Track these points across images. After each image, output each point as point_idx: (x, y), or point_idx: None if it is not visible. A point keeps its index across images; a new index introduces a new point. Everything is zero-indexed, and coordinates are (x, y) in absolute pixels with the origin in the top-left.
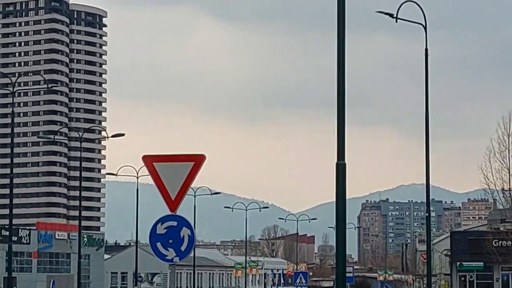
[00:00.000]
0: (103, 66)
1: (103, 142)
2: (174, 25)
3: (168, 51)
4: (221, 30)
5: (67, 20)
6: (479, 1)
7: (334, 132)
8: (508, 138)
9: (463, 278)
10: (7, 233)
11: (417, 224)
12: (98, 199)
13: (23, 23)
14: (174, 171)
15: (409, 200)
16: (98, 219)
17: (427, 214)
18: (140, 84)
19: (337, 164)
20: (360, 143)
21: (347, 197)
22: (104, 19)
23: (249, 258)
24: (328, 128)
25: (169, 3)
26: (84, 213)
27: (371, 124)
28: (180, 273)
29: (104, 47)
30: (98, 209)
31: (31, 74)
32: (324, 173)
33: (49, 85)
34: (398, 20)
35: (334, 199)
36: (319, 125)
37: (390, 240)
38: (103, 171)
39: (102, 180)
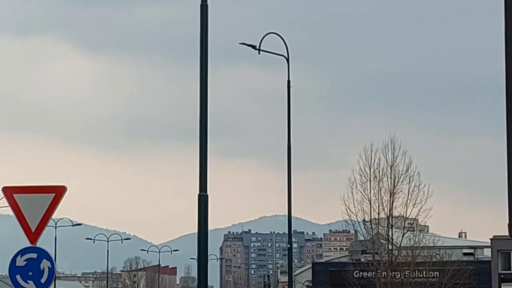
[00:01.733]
0: None
1: None
2: (35, 54)
3: (30, 81)
4: (84, 60)
5: None
6: (342, 34)
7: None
8: (370, 170)
9: None
10: None
11: (279, 255)
12: None
13: None
14: (34, 203)
15: (271, 232)
16: None
17: (288, 245)
18: (1, 114)
19: (199, 195)
20: (223, 174)
21: (209, 228)
22: None
23: None
24: (191, 160)
25: (30, 32)
26: None
27: (234, 155)
28: None
29: None
30: None
31: None
32: (186, 204)
33: None
34: (261, 52)
35: (196, 230)
36: (183, 156)
37: (252, 272)
38: None
39: None
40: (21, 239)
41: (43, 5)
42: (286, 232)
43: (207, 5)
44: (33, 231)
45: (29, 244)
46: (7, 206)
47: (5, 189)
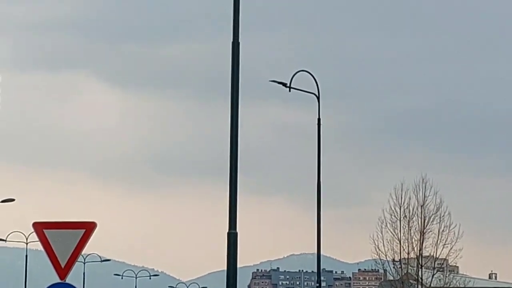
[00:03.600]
0: None
1: None
2: (66, 89)
3: (59, 115)
4: (113, 95)
5: None
6: (373, 71)
7: (226, 201)
8: (400, 209)
9: None
10: None
11: None
12: None
13: None
14: (64, 238)
15: (299, 270)
16: None
17: (317, 285)
18: (31, 148)
19: (228, 233)
20: (252, 211)
21: (238, 266)
22: None
23: None
24: (221, 196)
25: (61, 67)
26: None
27: (263, 192)
28: None
29: None
30: None
31: None
32: (215, 241)
33: None
34: (292, 89)
35: (225, 268)
36: (212, 193)
37: None
38: None
39: None
40: (51, 275)
41: (74, 41)
42: (315, 270)
43: (238, 43)
44: (62, 266)
45: (58, 280)
46: (37, 241)
47: (35, 225)
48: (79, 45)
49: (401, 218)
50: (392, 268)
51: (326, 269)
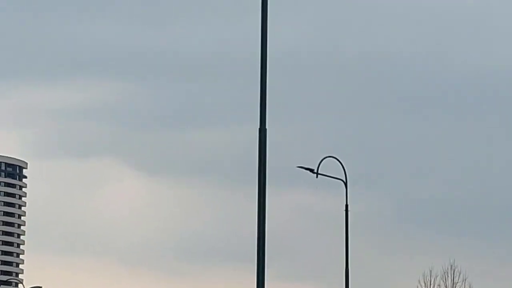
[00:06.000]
0: (22, 218)
1: None
2: (92, 175)
3: (87, 202)
4: (140, 182)
5: None
6: (401, 157)
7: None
8: None
9: None
10: None
11: None
12: None
13: None
14: None
15: None
16: None
17: None
18: (59, 236)
19: None
20: None
21: None
22: (24, 170)
23: None
24: (248, 284)
25: (88, 153)
26: None
27: (291, 279)
28: None
29: (23, 198)
30: None
31: None
32: None
33: None
34: (319, 175)
35: None
36: (240, 280)
37: None
38: None
39: None
40: None
41: (102, 127)
42: None
43: (265, 129)
44: None
45: None
46: None
47: None
48: (106, 131)
49: None
50: None
51: None
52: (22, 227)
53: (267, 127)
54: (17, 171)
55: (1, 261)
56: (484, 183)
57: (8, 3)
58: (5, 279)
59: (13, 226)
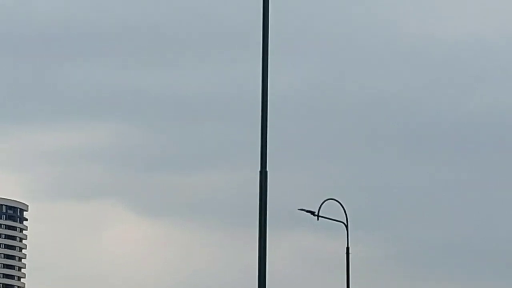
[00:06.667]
0: (23, 260)
1: None
2: (94, 218)
3: (87, 245)
4: (141, 224)
5: None
6: (403, 200)
7: None
8: None
9: None
10: None
11: None
12: None
13: None
14: None
15: None
16: None
17: None
18: (59, 278)
19: None
20: None
21: None
22: (25, 212)
23: None
24: None
25: (90, 197)
26: None
27: None
28: None
29: (24, 241)
30: None
31: None
32: None
33: None
34: (320, 218)
35: None
36: None
37: None
38: None
39: None
40: None
41: (103, 170)
42: None
43: (266, 172)
44: None
45: None
46: None
47: None
48: (107, 174)
49: None
50: None
51: None
52: (22, 270)
53: (267, 169)
54: (18, 213)
55: None
56: (486, 227)
57: (2, 46)
58: None
59: (14, 269)
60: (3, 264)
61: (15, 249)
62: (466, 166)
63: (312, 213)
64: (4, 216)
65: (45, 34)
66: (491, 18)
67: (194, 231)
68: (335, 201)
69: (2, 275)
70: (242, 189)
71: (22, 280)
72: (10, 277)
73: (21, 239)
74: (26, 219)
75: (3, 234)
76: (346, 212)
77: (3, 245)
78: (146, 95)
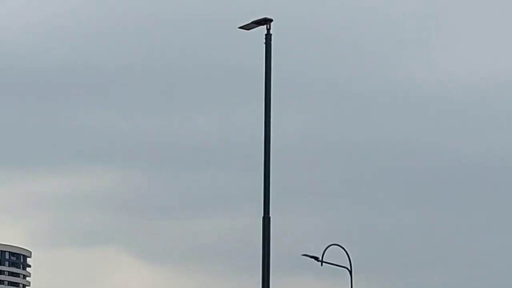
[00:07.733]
0: None
1: None
2: (96, 264)
3: None
4: (144, 271)
5: None
6: (406, 244)
7: None
8: None
9: None
10: None
11: None
12: None
13: None
14: None
15: None
16: None
17: None
18: None
19: None
20: None
21: None
22: (28, 259)
23: None
24: None
25: (93, 243)
26: None
27: None
28: None
29: None
30: None
31: None
32: None
33: None
34: (324, 263)
35: None
36: None
37: None
38: None
39: None
40: None
41: (106, 217)
42: None
43: (269, 217)
44: None
45: None
46: None
47: None
48: (110, 220)
49: None
50: None
51: None
52: None
53: (270, 215)
54: (21, 260)
55: None
56: (490, 272)
57: (3, 92)
58: None
59: None
60: None
61: None
62: (470, 211)
63: (316, 258)
64: (7, 262)
65: (44, 79)
66: (495, 59)
67: (198, 277)
68: (338, 247)
69: None
70: (246, 235)
71: None
72: None
73: (24, 286)
74: (29, 266)
75: (6, 280)
76: (350, 257)
77: None
78: (149, 141)
